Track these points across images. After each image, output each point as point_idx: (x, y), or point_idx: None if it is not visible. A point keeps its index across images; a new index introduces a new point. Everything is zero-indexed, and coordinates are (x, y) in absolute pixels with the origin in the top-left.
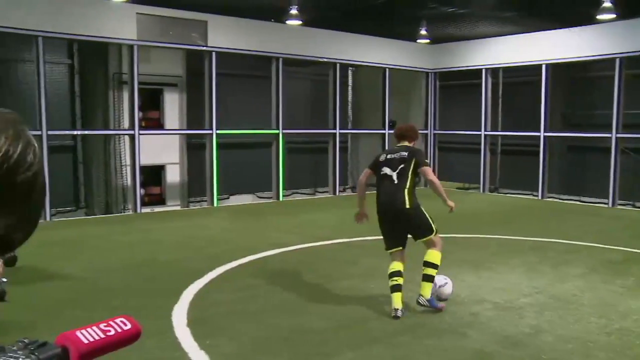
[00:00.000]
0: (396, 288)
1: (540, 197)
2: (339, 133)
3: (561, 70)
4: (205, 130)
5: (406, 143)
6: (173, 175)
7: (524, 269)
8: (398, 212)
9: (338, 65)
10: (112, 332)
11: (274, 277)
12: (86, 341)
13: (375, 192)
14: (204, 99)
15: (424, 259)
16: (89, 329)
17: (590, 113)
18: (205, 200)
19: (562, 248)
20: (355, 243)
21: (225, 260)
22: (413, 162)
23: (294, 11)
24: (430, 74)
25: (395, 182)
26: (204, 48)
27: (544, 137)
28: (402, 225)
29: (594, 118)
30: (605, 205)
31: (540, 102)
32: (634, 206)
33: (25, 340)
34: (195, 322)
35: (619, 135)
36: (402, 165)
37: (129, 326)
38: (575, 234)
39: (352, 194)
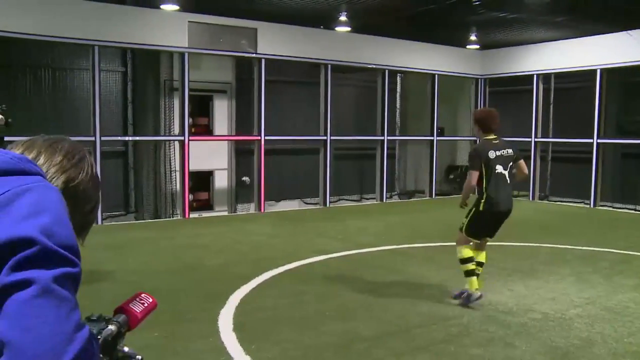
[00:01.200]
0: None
1: (592, 206)
2: (387, 140)
3: (616, 75)
4: (253, 136)
5: (495, 136)
6: (221, 180)
7: (574, 278)
8: (509, 212)
9: (387, 71)
10: (146, 304)
11: (319, 283)
12: (138, 310)
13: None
14: (252, 105)
15: (482, 261)
16: (133, 303)
17: None
18: (252, 206)
19: (615, 258)
20: (400, 250)
21: (271, 266)
22: (514, 159)
23: (342, 18)
24: (480, 80)
25: (508, 181)
26: (254, 55)
27: (597, 143)
28: (501, 223)
29: None
30: None
31: (594, 108)
32: None
33: (97, 314)
34: (241, 327)
35: None
36: (511, 163)
37: (150, 299)
38: (629, 244)
39: (399, 200)
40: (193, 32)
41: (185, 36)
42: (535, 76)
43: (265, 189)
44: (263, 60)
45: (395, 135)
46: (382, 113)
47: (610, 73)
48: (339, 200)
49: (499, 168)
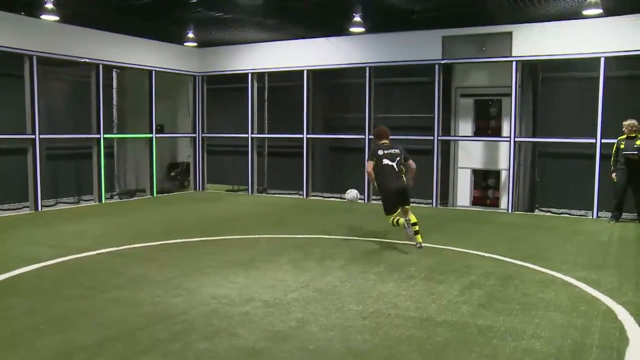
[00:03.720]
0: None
1: (305, 196)
2: (104, 138)
3: (321, 77)
4: None
5: (386, 141)
6: None
7: (290, 266)
8: (404, 189)
9: (101, 66)
10: None
11: (31, 295)
12: None
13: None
14: None
15: (411, 220)
16: None
17: (346, 116)
18: None
19: (326, 243)
20: (121, 252)
21: None
22: (403, 157)
23: (49, 5)
24: (197, 77)
25: (397, 170)
26: None
27: (307, 138)
28: (402, 197)
29: (350, 121)
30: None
31: (303, 106)
32: None
33: None
34: None
35: (371, 137)
36: (398, 158)
37: None
38: (336, 229)
39: (120, 200)
40: None
41: None
42: (249, 74)
43: None
44: None
45: (112, 133)
46: (98, 110)
47: (316, 74)
48: (56, 204)
49: (386, 161)
